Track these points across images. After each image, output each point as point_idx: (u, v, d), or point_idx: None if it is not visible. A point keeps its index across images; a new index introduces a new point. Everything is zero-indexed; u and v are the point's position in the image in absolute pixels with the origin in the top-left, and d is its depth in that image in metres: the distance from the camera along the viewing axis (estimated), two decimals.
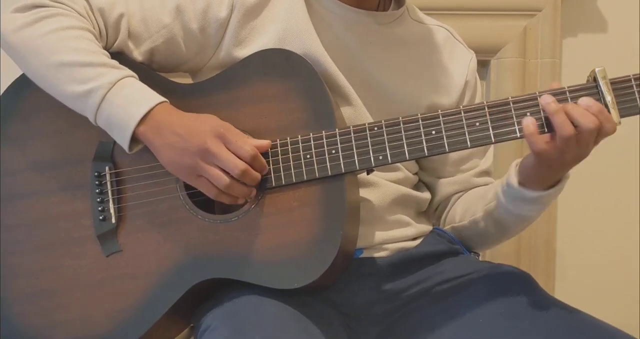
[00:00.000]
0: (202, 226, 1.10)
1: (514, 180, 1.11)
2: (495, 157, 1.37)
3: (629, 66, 1.79)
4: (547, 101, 1.00)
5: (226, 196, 1.07)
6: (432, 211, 1.36)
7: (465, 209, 1.27)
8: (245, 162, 1.04)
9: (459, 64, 1.31)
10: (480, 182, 1.31)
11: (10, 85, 1.21)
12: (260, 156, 1.06)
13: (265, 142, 1.08)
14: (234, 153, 1.04)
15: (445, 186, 1.31)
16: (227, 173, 1.05)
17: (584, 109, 0.98)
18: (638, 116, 1.01)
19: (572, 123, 0.98)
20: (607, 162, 1.89)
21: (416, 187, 1.32)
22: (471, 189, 1.31)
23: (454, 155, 1.28)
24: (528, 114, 1.01)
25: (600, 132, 0.99)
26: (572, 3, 1.88)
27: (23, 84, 1.18)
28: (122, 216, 1.14)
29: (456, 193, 1.31)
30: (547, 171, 1.07)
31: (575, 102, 0.99)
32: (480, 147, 1.30)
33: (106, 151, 1.15)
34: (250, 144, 1.05)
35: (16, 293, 1.15)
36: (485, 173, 1.33)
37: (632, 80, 0.99)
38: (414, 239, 1.26)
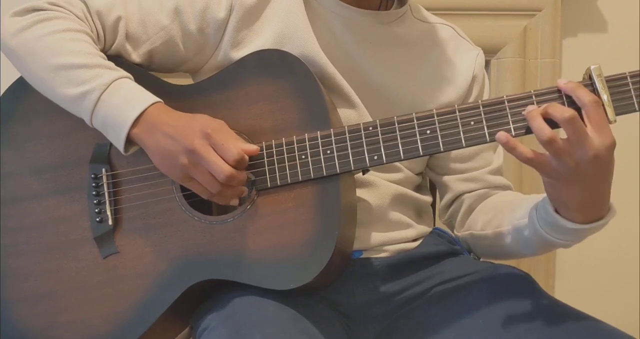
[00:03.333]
0: (198, 228, 1.10)
1: (549, 207, 1.03)
2: None
3: (629, 66, 1.79)
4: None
5: (219, 198, 1.07)
6: (442, 211, 1.33)
7: (489, 219, 1.22)
8: (231, 165, 1.03)
9: (465, 60, 1.29)
10: (495, 181, 1.28)
11: (9, 87, 1.22)
12: (246, 158, 1.05)
13: (253, 148, 1.07)
14: (220, 156, 1.03)
15: (457, 183, 1.29)
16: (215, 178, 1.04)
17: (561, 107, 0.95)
18: (638, 115, 1.00)
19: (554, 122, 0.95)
20: None
21: (418, 188, 1.30)
22: (488, 188, 1.27)
23: (464, 151, 1.26)
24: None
25: (589, 119, 0.94)
26: (572, 3, 1.88)
27: (22, 86, 1.18)
28: (118, 217, 1.14)
29: (470, 192, 1.28)
30: (565, 190, 0.99)
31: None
32: (489, 144, 1.28)
33: (103, 153, 1.15)
34: (236, 147, 1.03)
35: (16, 295, 1.15)
36: (498, 171, 1.30)
37: (628, 77, 0.97)
38: (414, 240, 1.25)
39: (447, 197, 1.31)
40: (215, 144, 1.03)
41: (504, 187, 1.30)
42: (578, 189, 0.98)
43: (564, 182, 0.97)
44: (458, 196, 1.30)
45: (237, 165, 1.04)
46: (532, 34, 1.85)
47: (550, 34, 1.85)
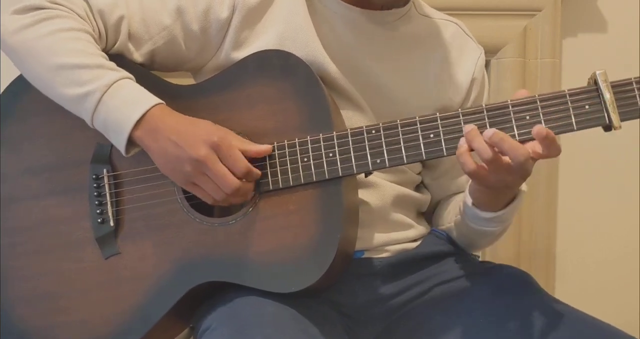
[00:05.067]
0: (200, 229, 1.10)
1: (468, 200, 1.13)
2: None
3: (629, 66, 1.81)
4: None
5: (222, 203, 1.08)
6: (430, 211, 1.34)
7: (447, 214, 1.28)
8: (238, 178, 1.04)
9: (467, 61, 1.29)
10: None
11: (9, 86, 1.21)
12: (254, 170, 1.05)
13: (265, 148, 1.07)
14: (227, 167, 1.04)
15: (449, 185, 1.30)
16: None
17: (515, 142, 0.97)
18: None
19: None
20: (607, 162, 1.89)
21: (418, 188, 1.31)
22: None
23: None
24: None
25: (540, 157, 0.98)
26: (572, 3, 1.88)
27: (20, 85, 1.17)
28: (120, 218, 1.13)
29: (457, 194, 1.30)
30: (491, 193, 1.08)
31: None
32: None
33: (104, 153, 1.15)
34: (243, 163, 1.04)
35: (17, 295, 1.15)
36: None
37: (634, 83, 0.96)
38: (415, 240, 1.25)
39: (436, 199, 1.33)
40: (223, 156, 1.03)
41: None
42: (500, 191, 1.07)
43: (491, 188, 1.05)
44: (447, 198, 1.32)
45: (245, 177, 1.04)
46: (532, 34, 1.85)
47: (550, 34, 1.85)
